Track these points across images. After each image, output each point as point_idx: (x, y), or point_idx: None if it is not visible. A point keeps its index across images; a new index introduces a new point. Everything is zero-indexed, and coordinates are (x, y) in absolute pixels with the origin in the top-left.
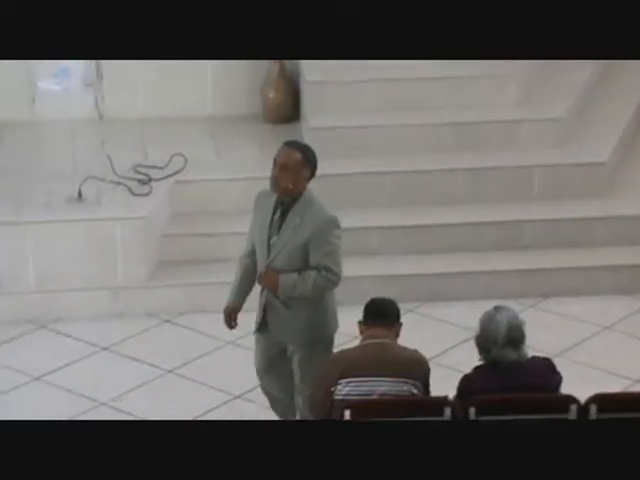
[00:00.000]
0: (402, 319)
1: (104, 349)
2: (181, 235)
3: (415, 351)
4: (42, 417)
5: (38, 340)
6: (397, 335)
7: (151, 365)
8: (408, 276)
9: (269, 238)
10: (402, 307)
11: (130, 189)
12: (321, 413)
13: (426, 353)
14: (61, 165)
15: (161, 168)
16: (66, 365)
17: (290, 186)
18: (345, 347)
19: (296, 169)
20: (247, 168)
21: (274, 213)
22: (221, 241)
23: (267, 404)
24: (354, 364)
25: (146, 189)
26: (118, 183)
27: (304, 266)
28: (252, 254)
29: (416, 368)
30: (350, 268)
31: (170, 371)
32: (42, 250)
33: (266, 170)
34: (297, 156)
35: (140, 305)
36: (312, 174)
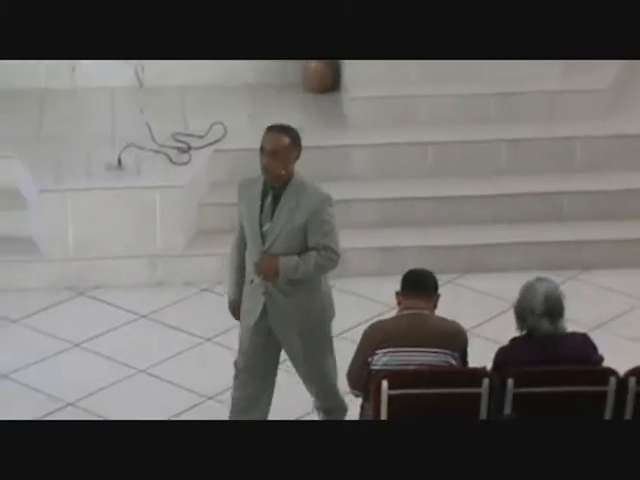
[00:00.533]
0: (440, 290)
1: (143, 317)
2: (220, 204)
3: (453, 322)
4: (82, 383)
5: (77, 307)
6: (435, 306)
7: (189, 333)
8: (447, 247)
9: (261, 226)
10: (440, 278)
11: (169, 157)
12: (358, 384)
13: (464, 324)
14: (101, 133)
15: (200, 137)
16: (105, 332)
17: (282, 172)
18: (383, 317)
19: (285, 153)
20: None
21: (263, 200)
22: None
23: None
24: (392, 334)
25: (185, 158)
26: (157, 151)
27: (303, 249)
28: (244, 245)
29: (454, 338)
30: (390, 239)
31: (208, 339)
32: (81, 217)
33: (307, 139)
34: (285, 140)
35: (178, 273)
36: (299, 154)
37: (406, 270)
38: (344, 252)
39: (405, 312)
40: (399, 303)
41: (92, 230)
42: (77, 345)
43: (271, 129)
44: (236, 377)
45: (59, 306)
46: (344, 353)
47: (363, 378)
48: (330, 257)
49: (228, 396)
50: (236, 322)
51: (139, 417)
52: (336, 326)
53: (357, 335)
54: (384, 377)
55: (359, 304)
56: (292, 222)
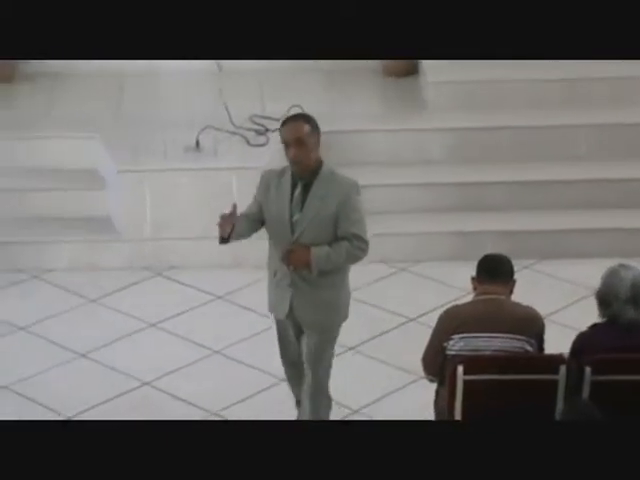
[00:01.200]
0: (517, 276)
1: (219, 298)
2: None
3: (529, 307)
4: (158, 363)
5: (154, 287)
6: (511, 292)
7: (264, 315)
8: (524, 232)
9: (291, 216)
10: (518, 264)
11: (247, 139)
12: (432, 369)
13: (540, 310)
14: (179, 115)
15: (278, 119)
16: (181, 313)
17: (312, 161)
18: (459, 302)
19: (310, 140)
20: (363, 121)
21: (293, 190)
22: None
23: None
24: (468, 319)
25: (262, 140)
26: (235, 133)
27: (331, 239)
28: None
29: (530, 324)
30: (468, 223)
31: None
32: (159, 198)
33: (384, 123)
34: (306, 127)
35: (254, 255)
36: (319, 140)
37: (482, 255)
38: (420, 236)
39: (481, 297)
40: (475, 288)
41: (169, 211)
42: (153, 325)
43: (287, 121)
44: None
45: (136, 286)
46: (419, 338)
47: (438, 363)
48: (360, 247)
49: None
50: None
51: (214, 398)
52: (412, 310)
53: (432, 320)
54: (460, 362)
55: (435, 289)
56: (322, 211)
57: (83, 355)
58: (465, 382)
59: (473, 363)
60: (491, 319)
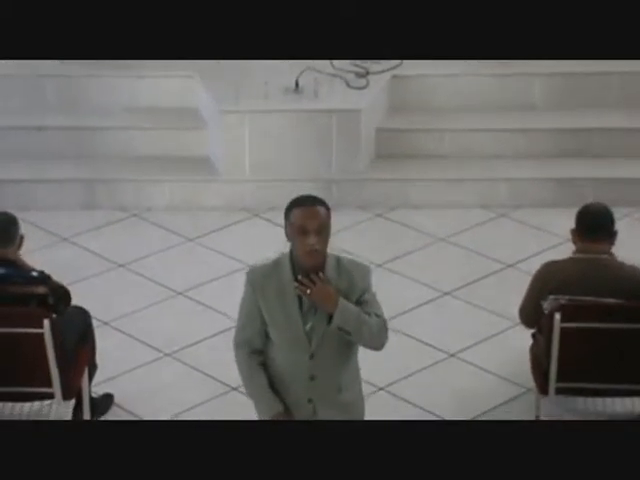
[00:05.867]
0: (618, 224)
1: None
2: (396, 130)
3: (634, 268)
4: None
5: (251, 228)
6: (612, 245)
7: (361, 258)
8: (627, 180)
9: (304, 324)
10: (619, 211)
11: (347, 82)
12: (530, 321)
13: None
14: None
15: (379, 62)
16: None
17: (325, 253)
18: (557, 254)
19: (328, 227)
20: (465, 64)
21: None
22: (438, 137)
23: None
24: (567, 281)
25: (363, 82)
26: (335, 75)
27: (352, 343)
28: (256, 338)
29: (635, 287)
30: (569, 170)
31: (379, 265)
32: (259, 139)
33: (485, 67)
34: (325, 211)
35: (353, 198)
36: None
37: (582, 203)
38: (520, 182)
39: (582, 256)
40: (574, 242)
41: (269, 152)
42: (250, 266)
43: (304, 203)
44: None
45: (234, 226)
46: (518, 284)
47: (535, 318)
48: (386, 332)
49: (402, 320)
50: (408, 249)
51: None
52: (510, 256)
53: (530, 266)
54: (558, 309)
55: (534, 235)
56: None
57: (181, 293)
58: (562, 329)
59: (571, 310)
60: (592, 283)
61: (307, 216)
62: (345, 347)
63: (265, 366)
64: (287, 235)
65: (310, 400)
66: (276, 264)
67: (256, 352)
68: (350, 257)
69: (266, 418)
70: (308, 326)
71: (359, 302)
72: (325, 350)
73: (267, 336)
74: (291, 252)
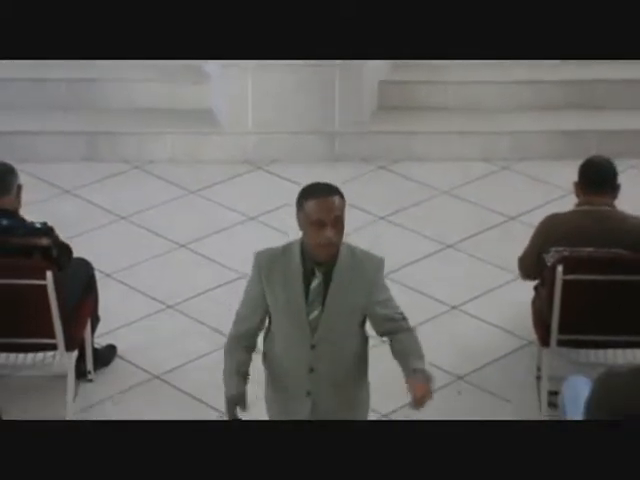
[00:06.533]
0: (623, 175)
1: None
2: (399, 82)
3: (638, 220)
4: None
5: (253, 181)
6: (615, 198)
7: (364, 211)
8: (632, 131)
9: (307, 314)
10: (624, 163)
11: None
12: (530, 273)
13: None
14: None
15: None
16: (280, 207)
17: (340, 243)
18: (561, 208)
19: (344, 217)
20: None
21: (307, 281)
22: (441, 89)
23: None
24: (570, 232)
25: None
26: None
27: (359, 329)
28: (251, 337)
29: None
30: (573, 122)
31: (382, 218)
32: (261, 92)
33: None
34: (340, 201)
35: (356, 150)
36: None
37: (586, 155)
38: (523, 134)
39: (584, 208)
40: (577, 195)
41: (271, 105)
42: (253, 218)
43: (319, 194)
44: None
45: (236, 179)
46: (520, 237)
47: (535, 270)
48: (412, 329)
49: (405, 273)
50: (410, 202)
51: None
52: (513, 209)
53: (533, 219)
54: (560, 261)
55: (538, 187)
56: (348, 303)
57: (183, 246)
58: (564, 281)
59: (573, 263)
60: (595, 234)
61: (323, 208)
62: (349, 342)
63: (267, 362)
64: (300, 224)
65: (309, 393)
66: (285, 250)
67: (246, 346)
68: (364, 249)
69: (225, 396)
70: (312, 315)
71: (370, 302)
72: (327, 342)
73: (268, 328)
74: (302, 240)
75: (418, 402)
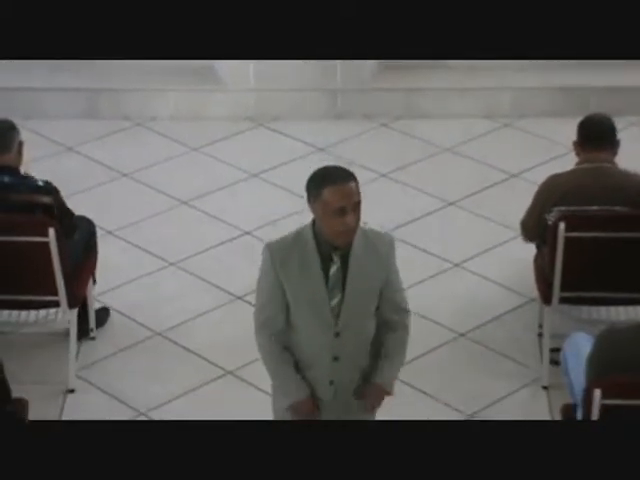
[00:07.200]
0: (624, 132)
1: (320, 150)
2: None
3: (638, 175)
4: (259, 213)
5: (255, 138)
6: (615, 154)
7: (365, 168)
8: (629, 88)
9: (330, 299)
10: (625, 120)
11: None
12: (532, 235)
13: None
14: None
15: None
16: (282, 164)
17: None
18: (561, 166)
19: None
20: None
21: (326, 268)
22: None
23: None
24: (571, 191)
25: None
26: None
27: (374, 313)
28: (281, 331)
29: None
30: (574, 78)
31: (384, 175)
32: None
33: None
34: (357, 185)
35: (358, 108)
36: None
37: (588, 112)
38: (524, 91)
39: (585, 166)
40: (577, 154)
41: (273, 61)
42: (255, 175)
43: (337, 180)
44: None
45: (238, 136)
46: (522, 194)
47: (537, 232)
48: (408, 326)
49: (407, 230)
50: (412, 159)
51: None
52: (515, 166)
53: (535, 176)
54: (561, 219)
55: (538, 145)
56: (367, 286)
57: (185, 203)
58: (566, 239)
59: (575, 220)
60: (596, 191)
61: (344, 195)
62: (368, 326)
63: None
64: (316, 212)
65: (332, 382)
66: (297, 238)
67: (278, 333)
68: (373, 228)
69: (292, 402)
70: (334, 302)
71: (385, 283)
72: (350, 328)
73: (288, 317)
74: (314, 225)
75: (369, 410)
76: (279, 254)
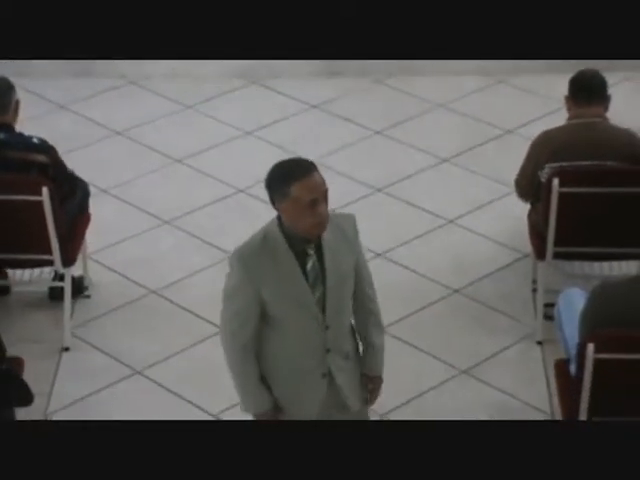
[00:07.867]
0: (617, 87)
1: (314, 107)
2: None
3: (627, 130)
4: (252, 171)
5: (250, 95)
6: (606, 109)
7: (359, 125)
8: None
9: (313, 295)
10: (616, 76)
11: None
12: (527, 193)
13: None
14: None
15: None
16: (275, 122)
17: None
18: (557, 113)
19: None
20: None
21: (302, 264)
22: None
23: None
24: (563, 147)
25: None
26: None
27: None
28: (255, 339)
29: (631, 150)
30: None
31: (378, 132)
32: None
33: None
34: (319, 173)
35: (350, 64)
36: None
37: (581, 67)
38: None
39: (576, 121)
40: (569, 109)
41: None
42: (249, 133)
43: (303, 175)
44: None
45: (232, 94)
46: (516, 150)
47: (531, 190)
48: (379, 312)
49: (401, 186)
50: (406, 116)
51: None
52: (509, 122)
53: (530, 132)
54: (555, 174)
55: (534, 100)
56: (346, 269)
57: (179, 161)
58: (560, 195)
59: (569, 175)
60: (587, 146)
61: (313, 188)
62: (349, 313)
63: (271, 352)
64: (286, 211)
65: (324, 375)
66: (264, 240)
67: (248, 342)
68: (332, 210)
69: (252, 413)
70: (317, 296)
71: (355, 267)
72: (337, 318)
73: (268, 321)
74: (279, 223)
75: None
76: (251, 260)
